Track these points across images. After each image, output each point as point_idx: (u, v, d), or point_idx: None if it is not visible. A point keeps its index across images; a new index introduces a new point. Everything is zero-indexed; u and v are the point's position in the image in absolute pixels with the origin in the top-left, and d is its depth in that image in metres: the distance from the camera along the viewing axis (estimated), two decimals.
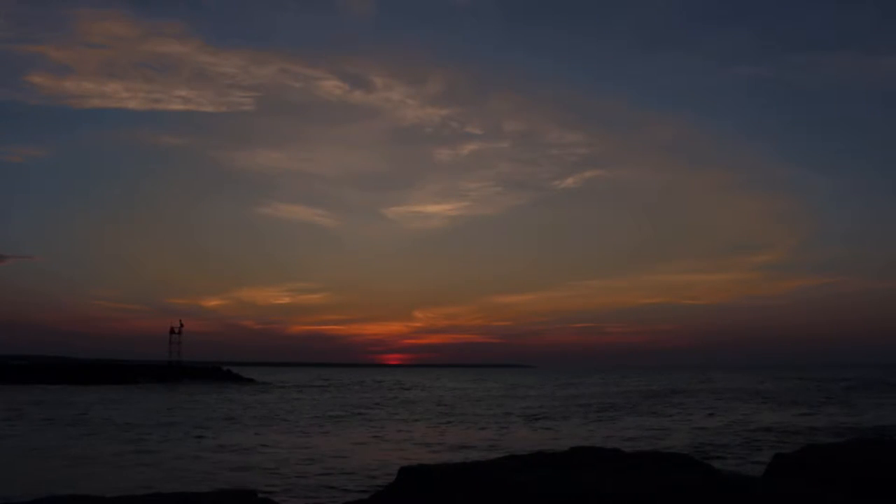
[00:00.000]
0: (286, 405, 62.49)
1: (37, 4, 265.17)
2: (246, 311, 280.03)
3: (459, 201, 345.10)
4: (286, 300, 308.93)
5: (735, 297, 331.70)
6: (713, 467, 12.39)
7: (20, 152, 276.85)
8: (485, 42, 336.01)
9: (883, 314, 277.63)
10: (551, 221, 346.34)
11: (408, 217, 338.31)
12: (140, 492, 14.45)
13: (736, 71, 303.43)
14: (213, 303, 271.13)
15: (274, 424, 42.69)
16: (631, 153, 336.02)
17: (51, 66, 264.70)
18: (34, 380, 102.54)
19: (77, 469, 24.65)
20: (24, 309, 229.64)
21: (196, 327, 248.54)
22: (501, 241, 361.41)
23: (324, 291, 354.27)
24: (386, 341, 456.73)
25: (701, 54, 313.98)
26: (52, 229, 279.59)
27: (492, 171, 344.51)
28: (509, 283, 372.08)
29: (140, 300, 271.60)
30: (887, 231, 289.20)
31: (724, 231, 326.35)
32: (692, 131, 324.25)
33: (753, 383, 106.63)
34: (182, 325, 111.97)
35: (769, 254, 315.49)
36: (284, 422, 44.79)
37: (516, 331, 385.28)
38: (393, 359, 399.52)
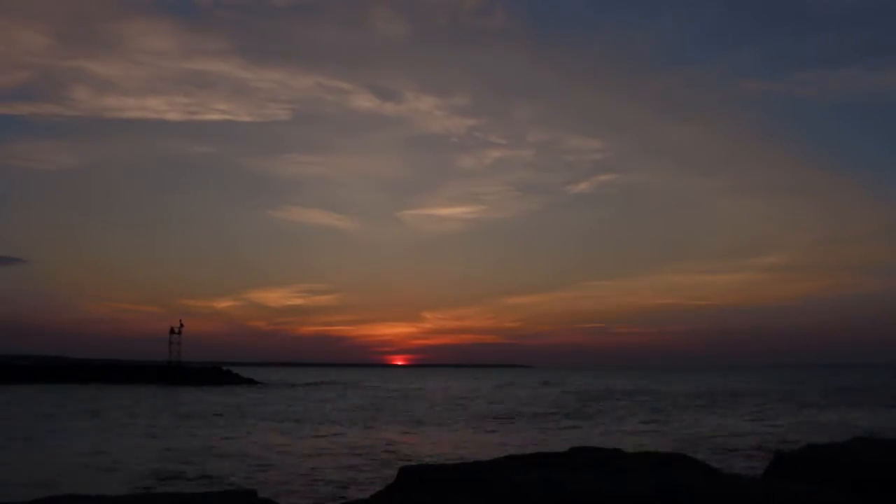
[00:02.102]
0: (284, 405, 62.48)
1: (85, 22, 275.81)
2: (259, 313, 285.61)
3: (475, 205, 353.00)
4: (299, 301, 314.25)
5: (745, 298, 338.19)
6: (713, 467, 12.39)
7: (52, 160, 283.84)
8: (512, 59, 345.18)
9: (892, 315, 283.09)
10: (564, 224, 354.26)
11: (423, 220, 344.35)
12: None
13: (747, 86, 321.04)
14: (226, 304, 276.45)
15: (272, 424, 42.69)
16: (644, 159, 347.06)
17: (95, 82, 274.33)
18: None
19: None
20: (45, 310, 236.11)
21: (209, 328, 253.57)
22: (514, 243, 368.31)
23: (336, 293, 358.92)
24: (396, 342, 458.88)
25: (715, 70, 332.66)
26: (77, 235, 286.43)
27: (508, 176, 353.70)
28: (520, 284, 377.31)
29: (157, 302, 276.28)
30: (892, 233, 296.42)
31: (734, 233, 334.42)
32: (705, 139, 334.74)
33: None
34: (182, 325, 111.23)
35: (778, 255, 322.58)
36: (282, 421, 44.79)
37: (525, 331, 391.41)
38: (402, 359, 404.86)
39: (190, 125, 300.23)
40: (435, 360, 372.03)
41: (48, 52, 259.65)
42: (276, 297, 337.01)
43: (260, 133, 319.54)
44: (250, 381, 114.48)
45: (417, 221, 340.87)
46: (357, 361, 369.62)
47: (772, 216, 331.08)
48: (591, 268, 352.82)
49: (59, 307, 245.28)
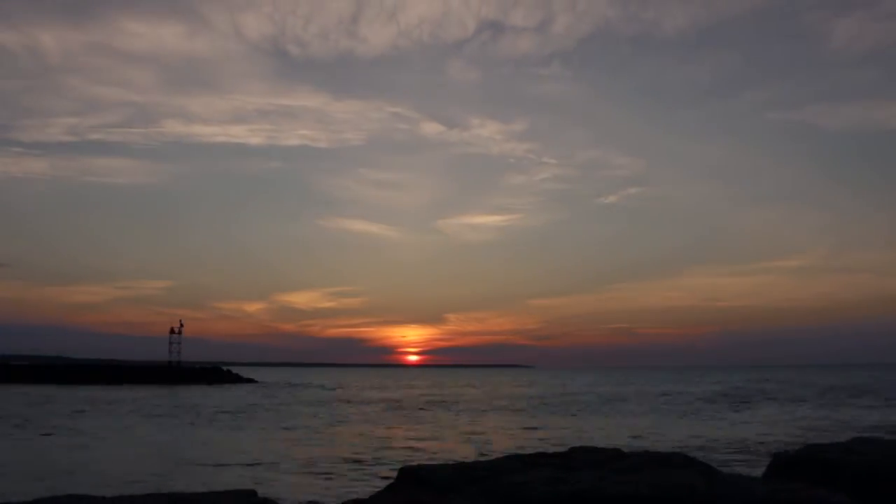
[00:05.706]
0: (284, 405, 62.48)
1: (187, 63, 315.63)
2: (288, 315, 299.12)
3: (509, 214, 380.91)
4: (329, 304, 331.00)
5: (765, 300, 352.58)
6: (713, 467, 12.38)
7: (129, 177, 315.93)
8: (567, 95, 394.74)
9: None
10: (592, 232, 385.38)
11: (458, 228, 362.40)
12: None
13: (770, 115, 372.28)
14: (257, 306, 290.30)
15: (269, 423, 42.68)
16: (672, 173, 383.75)
17: (186, 115, 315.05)
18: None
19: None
20: (91, 313, 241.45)
21: (243, 329, 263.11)
22: (542, 249, 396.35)
23: (364, 296, 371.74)
24: (419, 343, 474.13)
25: (742, 103, 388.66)
26: (135, 247, 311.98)
27: (546, 189, 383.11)
28: (546, 287, 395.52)
29: (189, 304, 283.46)
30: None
31: (756, 238, 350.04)
32: (730, 156, 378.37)
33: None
34: (182, 325, 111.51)
35: (798, 259, 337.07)
36: (279, 421, 44.78)
37: (549, 332, 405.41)
38: (420, 360, 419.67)
39: (267, 148, 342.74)
40: (455, 361, 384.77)
41: (148, 90, 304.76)
42: (305, 299, 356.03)
43: (330, 155, 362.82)
44: (251, 381, 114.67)
45: (453, 230, 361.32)
46: (378, 362, 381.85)
47: (793, 222, 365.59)
48: (614, 271, 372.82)
49: (87, 310, 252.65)
